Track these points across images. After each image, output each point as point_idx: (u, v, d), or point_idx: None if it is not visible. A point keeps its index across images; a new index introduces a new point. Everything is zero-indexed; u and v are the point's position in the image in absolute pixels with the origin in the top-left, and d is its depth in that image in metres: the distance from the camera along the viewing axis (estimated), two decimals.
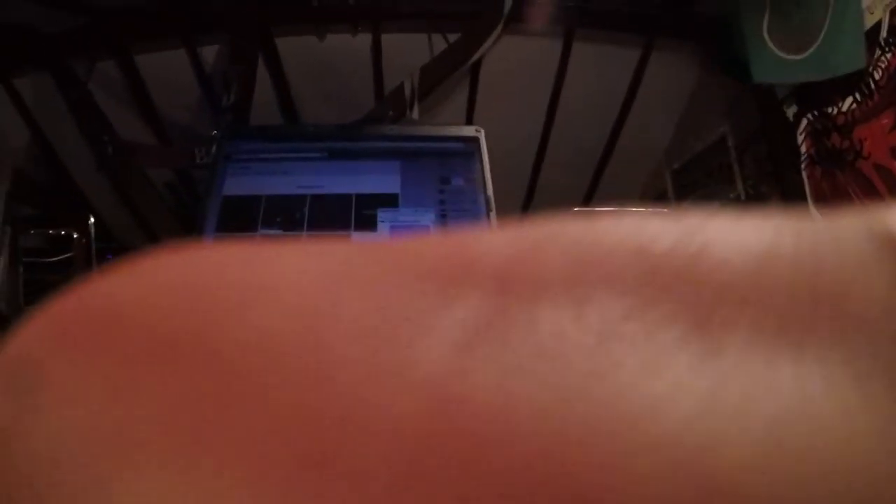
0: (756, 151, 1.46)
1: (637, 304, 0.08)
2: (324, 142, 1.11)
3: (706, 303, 0.08)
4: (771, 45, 1.33)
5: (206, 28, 1.40)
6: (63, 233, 0.62)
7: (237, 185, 1.04)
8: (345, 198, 1.03)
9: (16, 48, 1.47)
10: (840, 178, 1.29)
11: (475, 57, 1.39)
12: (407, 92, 1.33)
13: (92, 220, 0.62)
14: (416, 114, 1.33)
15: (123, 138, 1.41)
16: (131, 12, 1.37)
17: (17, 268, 0.63)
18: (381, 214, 1.03)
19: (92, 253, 0.62)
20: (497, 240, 0.09)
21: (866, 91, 1.23)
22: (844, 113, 1.28)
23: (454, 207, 1.04)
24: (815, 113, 1.36)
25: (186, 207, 1.39)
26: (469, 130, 1.10)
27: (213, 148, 1.17)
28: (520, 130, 1.51)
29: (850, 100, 1.27)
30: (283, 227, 1.01)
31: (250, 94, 1.35)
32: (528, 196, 1.67)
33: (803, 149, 1.38)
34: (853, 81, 1.25)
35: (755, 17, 1.33)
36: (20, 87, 1.50)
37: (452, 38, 1.39)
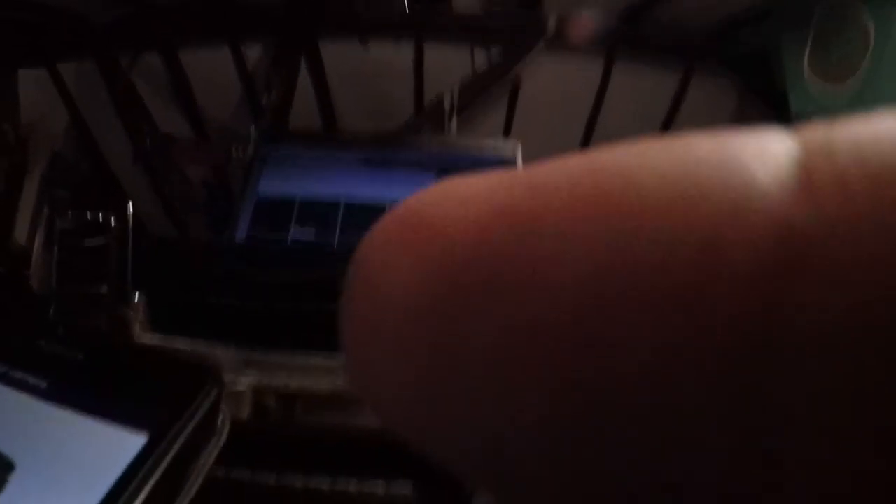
0: None
1: None
2: (361, 149, 1.11)
3: None
4: (811, 76, 1.32)
5: (252, 28, 1.42)
6: (101, 217, 0.63)
7: (272, 186, 1.05)
8: (379, 207, 1.04)
9: (63, 34, 1.49)
10: None
11: (515, 73, 1.39)
12: (446, 105, 1.33)
13: (131, 205, 0.62)
14: (454, 127, 1.33)
15: (163, 132, 1.42)
16: (179, 8, 1.39)
17: (51, 249, 0.64)
18: None
19: (129, 238, 0.62)
20: None
21: None
22: None
23: None
24: None
25: (219, 204, 1.40)
26: (506, 144, 1.10)
27: (250, 147, 1.18)
28: (556, 149, 1.50)
29: None
30: (315, 231, 1.01)
31: (291, 97, 1.36)
32: None
33: None
34: None
35: (796, 50, 1.32)
36: (64, 73, 1.53)
37: (494, 53, 1.39)
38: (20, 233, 1.49)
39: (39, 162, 1.55)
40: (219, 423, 0.42)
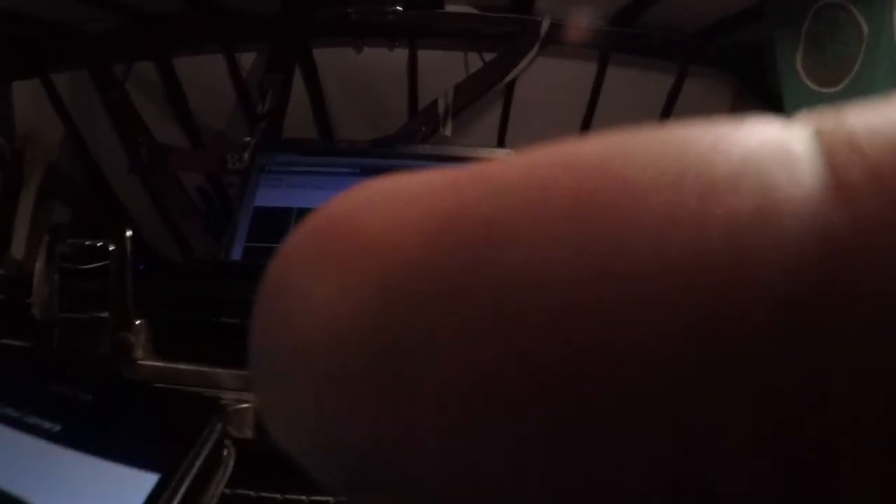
0: None
1: None
2: (357, 158, 1.11)
3: None
4: (805, 77, 1.32)
5: (245, 35, 1.42)
6: (100, 244, 0.63)
7: (269, 196, 1.05)
8: None
9: (56, 44, 1.49)
10: None
11: (510, 77, 1.39)
12: (441, 109, 1.34)
13: (130, 232, 0.63)
14: (448, 131, 1.33)
15: (158, 141, 1.43)
16: (172, 17, 1.39)
17: (52, 275, 0.64)
18: None
19: (128, 264, 0.63)
20: None
21: None
22: None
23: None
24: None
25: (216, 212, 1.40)
26: (501, 154, 1.10)
27: (246, 154, 1.19)
28: None
29: None
30: None
31: (285, 103, 1.36)
32: None
33: None
34: None
35: (789, 50, 1.32)
36: (58, 84, 1.53)
37: (488, 57, 1.40)
38: (17, 246, 1.49)
39: (35, 174, 1.55)
40: (225, 454, 0.43)
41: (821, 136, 0.07)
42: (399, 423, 0.07)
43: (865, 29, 1.19)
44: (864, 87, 1.25)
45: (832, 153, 0.07)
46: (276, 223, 1.04)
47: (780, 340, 0.06)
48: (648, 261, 0.07)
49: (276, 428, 0.08)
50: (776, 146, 0.07)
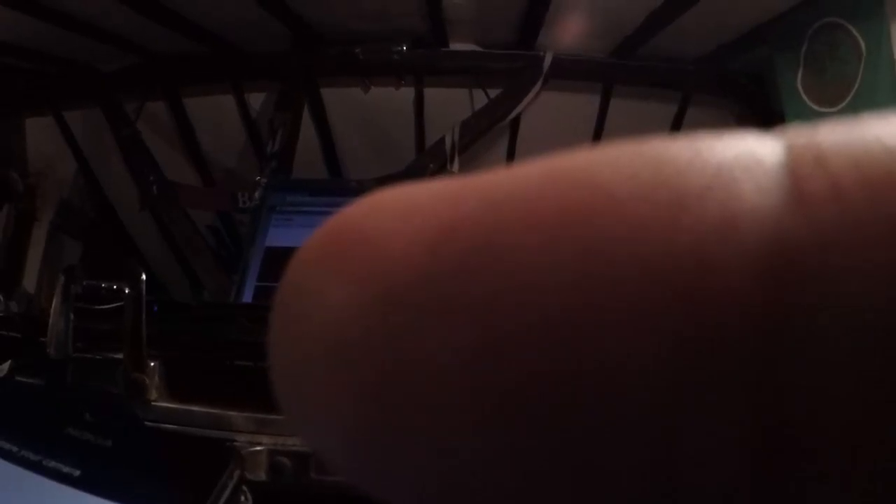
0: None
1: None
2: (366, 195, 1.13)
3: None
4: (806, 98, 1.33)
5: (254, 74, 1.44)
6: (115, 286, 0.64)
7: (280, 236, 1.06)
8: None
9: (69, 82, 1.52)
10: None
11: (515, 112, 1.41)
12: (448, 145, 1.35)
13: (144, 276, 0.64)
14: (455, 167, 1.35)
15: (169, 178, 1.44)
16: (183, 56, 1.42)
17: (68, 314, 0.65)
18: None
19: (143, 306, 0.64)
20: None
21: None
22: None
23: None
24: None
25: (227, 250, 1.42)
26: None
27: (256, 193, 1.20)
28: None
29: None
30: None
31: (295, 141, 1.37)
32: None
33: None
34: None
35: (790, 72, 1.33)
36: (70, 121, 1.55)
37: (493, 93, 1.42)
38: (29, 280, 1.51)
39: (47, 209, 1.57)
40: (242, 500, 0.44)
41: (791, 150, 0.07)
42: (397, 429, 0.08)
43: (863, 47, 1.20)
44: (864, 106, 1.25)
45: (798, 166, 0.07)
46: (287, 263, 1.05)
47: (744, 345, 0.07)
48: (624, 269, 0.07)
49: (290, 421, 0.08)
50: (748, 159, 0.07)
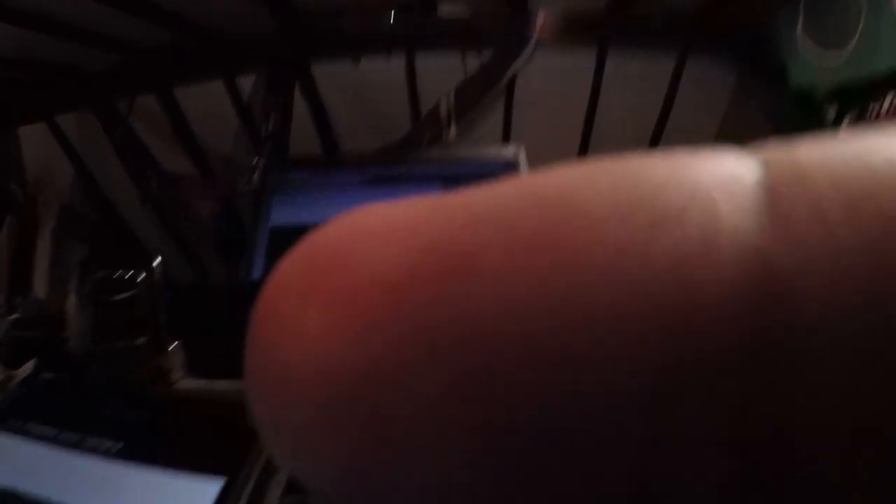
0: None
1: None
2: (366, 169, 1.12)
3: None
4: (807, 46, 1.32)
5: (242, 59, 1.43)
6: (129, 275, 0.64)
7: (284, 215, 1.06)
8: None
9: (57, 86, 1.50)
10: None
11: (509, 74, 1.39)
12: (443, 113, 1.34)
13: (157, 260, 0.64)
14: (452, 134, 1.34)
15: (167, 171, 1.44)
16: (169, 48, 1.40)
17: (86, 307, 0.65)
18: None
19: (156, 292, 0.64)
20: None
21: None
22: (886, 110, 1.27)
23: None
24: (857, 111, 1.34)
25: (231, 237, 1.41)
26: (508, 150, 1.11)
27: (255, 176, 1.19)
28: (557, 145, 1.51)
29: (890, 96, 1.25)
30: None
31: (289, 122, 1.37)
32: None
33: None
34: (893, 78, 1.23)
35: (790, 20, 1.32)
36: (64, 125, 1.54)
37: (486, 56, 1.40)
38: (39, 286, 1.51)
39: (49, 217, 1.57)
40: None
41: (769, 167, 0.07)
42: (374, 457, 0.07)
43: None
44: (867, 52, 1.24)
45: (778, 184, 0.07)
46: (294, 241, 1.05)
47: (725, 369, 0.07)
48: (601, 292, 0.07)
49: (268, 445, 0.08)
50: (726, 178, 0.07)
